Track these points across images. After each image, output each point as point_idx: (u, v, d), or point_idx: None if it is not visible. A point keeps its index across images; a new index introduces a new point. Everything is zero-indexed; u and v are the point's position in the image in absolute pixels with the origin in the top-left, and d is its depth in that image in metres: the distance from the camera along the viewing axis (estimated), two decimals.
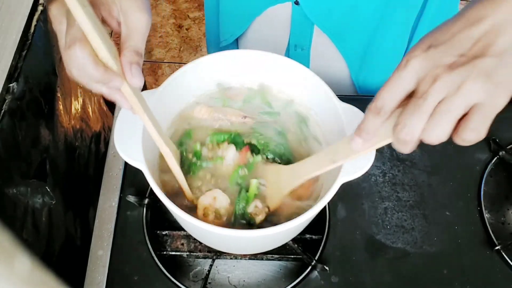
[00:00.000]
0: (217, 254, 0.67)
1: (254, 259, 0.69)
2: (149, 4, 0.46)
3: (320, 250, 0.67)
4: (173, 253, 0.68)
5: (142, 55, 0.45)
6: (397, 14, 0.73)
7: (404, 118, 0.39)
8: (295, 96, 0.66)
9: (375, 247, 0.69)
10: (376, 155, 0.55)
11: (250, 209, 0.59)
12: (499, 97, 0.36)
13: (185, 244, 0.69)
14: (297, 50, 0.82)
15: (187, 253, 0.68)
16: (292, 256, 0.68)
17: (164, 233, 0.69)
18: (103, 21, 0.45)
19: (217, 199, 0.59)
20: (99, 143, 0.94)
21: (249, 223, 0.59)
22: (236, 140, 0.64)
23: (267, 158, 0.64)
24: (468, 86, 0.35)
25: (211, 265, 0.68)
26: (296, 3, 0.74)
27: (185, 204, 0.60)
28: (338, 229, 0.70)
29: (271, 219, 0.59)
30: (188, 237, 0.68)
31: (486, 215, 0.72)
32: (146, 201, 0.69)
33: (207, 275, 0.67)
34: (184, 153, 0.62)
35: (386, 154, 0.77)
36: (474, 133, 0.37)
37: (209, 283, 0.69)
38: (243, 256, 0.68)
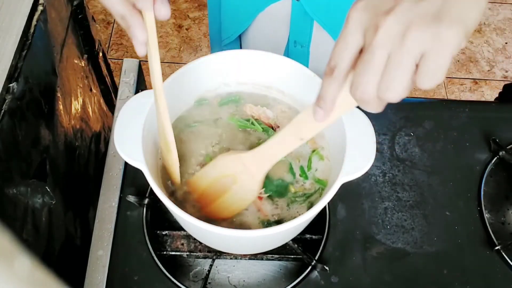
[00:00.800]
0: (217, 254, 0.67)
1: (254, 259, 0.69)
2: None
3: (320, 250, 0.67)
4: (173, 253, 0.68)
5: None
6: None
7: (356, 76, 0.36)
8: (295, 96, 0.66)
9: (375, 247, 0.69)
10: (376, 155, 0.55)
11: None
12: (450, 37, 0.32)
13: (185, 244, 0.69)
14: (297, 47, 0.82)
15: (187, 253, 0.68)
16: (292, 256, 0.68)
17: (164, 233, 0.69)
18: None
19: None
20: (99, 143, 0.94)
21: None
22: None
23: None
24: (413, 34, 0.32)
25: (211, 265, 0.68)
26: None
27: (184, 204, 0.60)
28: (338, 229, 0.70)
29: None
30: (188, 237, 0.68)
31: (486, 215, 0.72)
32: (146, 201, 0.69)
33: (207, 275, 0.67)
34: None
35: (386, 154, 0.77)
36: (431, 80, 0.34)
37: (209, 283, 0.69)
38: (243, 256, 0.68)
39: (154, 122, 0.57)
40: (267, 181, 0.60)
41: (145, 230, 0.68)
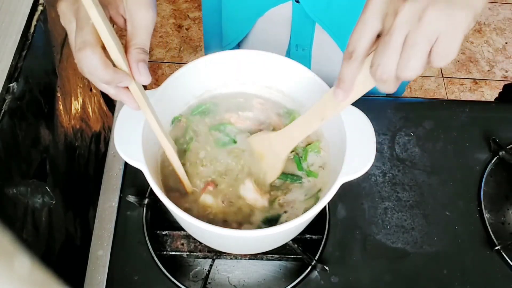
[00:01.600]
0: (217, 254, 0.67)
1: (254, 259, 0.69)
2: (155, 1, 0.47)
3: (320, 250, 0.67)
4: (173, 253, 0.68)
5: (147, 52, 0.46)
6: None
7: (376, 57, 0.39)
8: (295, 96, 0.66)
9: (375, 247, 0.69)
10: (376, 155, 0.55)
11: (242, 191, 0.59)
12: (463, 18, 0.36)
13: (185, 244, 0.69)
14: (298, 50, 0.82)
15: (187, 253, 0.68)
16: (292, 256, 0.68)
17: (164, 233, 0.69)
18: (111, 20, 0.46)
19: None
20: (99, 143, 0.94)
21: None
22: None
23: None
24: (428, 15, 0.36)
25: (211, 265, 0.68)
26: (297, 1, 0.74)
27: (185, 205, 0.60)
28: (338, 229, 0.70)
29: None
30: (188, 237, 0.68)
31: (486, 215, 0.72)
32: (146, 201, 0.69)
33: (207, 275, 0.67)
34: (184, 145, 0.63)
35: (386, 154, 0.77)
36: (445, 58, 0.38)
37: (209, 283, 0.69)
38: (243, 256, 0.68)
39: None
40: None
41: (145, 230, 0.68)
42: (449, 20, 0.36)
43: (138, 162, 0.52)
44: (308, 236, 0.69)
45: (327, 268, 0.65)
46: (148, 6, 0.44)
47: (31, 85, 0.63)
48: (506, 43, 2.08)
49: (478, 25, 2.13)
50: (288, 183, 0.62)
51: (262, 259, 0.68)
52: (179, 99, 0.65)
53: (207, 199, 0.59)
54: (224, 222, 0.58)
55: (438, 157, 0.78)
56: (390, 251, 0.69)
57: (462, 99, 1.90)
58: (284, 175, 0.62)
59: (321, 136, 0.65)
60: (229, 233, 0.49)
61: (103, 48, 0.43)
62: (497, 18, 2.16)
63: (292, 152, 0.63)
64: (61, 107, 0.74)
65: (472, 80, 1.97)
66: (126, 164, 0.74)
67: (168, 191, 0.60)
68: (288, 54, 0.84)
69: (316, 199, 0.60)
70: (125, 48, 0.45)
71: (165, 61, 1.93)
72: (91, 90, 0.93)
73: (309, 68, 0.81)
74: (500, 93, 1.01)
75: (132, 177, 0.73)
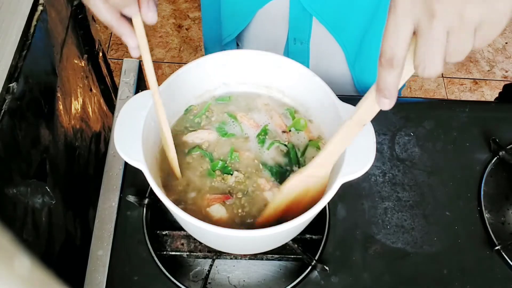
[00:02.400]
0: (217, 254, 0.67)
1: (254, 259, 0.69)
2: None
3: (320, 250, 0.67)
4: (173, 253, 0.68)
5: None
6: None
7: (421, 56, 0.38)
8: (295, 96, 0.66)
9: (375, 247, 0.69)
10: (376, 155, 0.55)
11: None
12: (506, 7, 0.36)
13: (185, 244, 0.69)
14: (296, 44, 0.83)
15: (187, 253, 0.68)
16: (292, 256, 0.68)
17: (164, 233, 0.69)
18: None
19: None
20: (99, 143, 0.94)
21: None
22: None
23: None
24: (469, 9, 0.36)
25: (211, 265, 0.68)
26: None
27: (184, 204, 0.60)
28: (338, 229, 0.70)
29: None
30: (188, 237, 0.68)
31: (486, 215, 0.72)
32: (146, 201, 0.69)
33: (207, 275, 0.67)
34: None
35: (386, 154, 0.77)
36: (485, 42, 0.38)
37: (209, 283, 0.69)
38: (243, 256, 0.68)
39: (154, 122, 0.57)
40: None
41: (145, 230, 0.68)
42: (490, 8, 0.36)
43: (138, 162, 0.52)
44: (308, 236, 0.69)
45: (327, 268, 0.65)
46: None
47: (31, 85, 0.63)
48: (506, 43, 2.09)
49: None
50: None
51: (262, 259, 0.68)
52: (179, 99, 0.65)
53: (219, 211, 0.59)
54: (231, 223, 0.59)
55: (438, 157, 0.78)
56: (390, 251, 0.69)
57: (462, 99, 1.90)
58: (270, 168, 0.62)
59: (321, 136, 0.65)
60: (229, 233, 0.49)
61: None
62: None
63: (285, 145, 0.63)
64: (61, 107, 0.74)
65: (472, 80, 1.97)
66: (126, 164, 0.74)
67: (168, 191, 0.60)
68: (287, 48, 0.84)
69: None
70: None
71: (165, 61, 1.93)
72: (91, 90, 0.93)
73: (308, 61, 0.81)
74: (500, 93, 1.01)
75: (132, 177, 0.73)
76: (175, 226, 0.68)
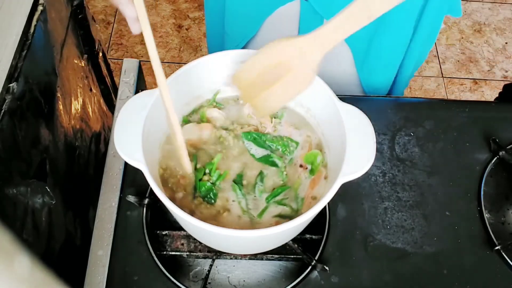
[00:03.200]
0: (217, 254, 0.67)
1: (254, 259, 0.69)
2: None
3: (320, 250, 0.67)
4: (173, 253, 0.68)
5: None
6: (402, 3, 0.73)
7: None
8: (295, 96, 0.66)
9: (375, 247, 0.69)
10: (376, 155, 0.55)
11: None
12: None
13: (185, 244, 0.68)
14: None
15: (187, 253, 0.68)
16: (292, 256, 0.68)
17: (164, 233, 0.69)
18: None
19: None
20: (99, 143, 0.94)
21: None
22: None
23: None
24: None
25: (211, 265, 0.68)
26: None
27: (184, 204, 0.60)
28: (338, 229, 0.70)
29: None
30: (188, 237, 0.68)
31: (486, 215, 0.72)
32: (146, 201, 0.69)
33: (207, 275, 0.67)
34: None
35: (386, 154, 0.77)
36: None
37: (209, 283, 0.69)
38: (243, 256, 0.68)
39: (154, 122, 0.57)
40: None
41: (145, 230, 0.68)
42: None
43: (138, 162, 0.52)
44: (308, 236, 0.69)
45: (327, 268, 0.65)
46: None
47: (31, 85, 0.63)
48: (506, 43, 2.08)
49: (478, 25, 2.13)
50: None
51: (262, 259, 0.68)
52: (179, 99, 0.65)
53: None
54: None
55: (438, 157, 0.78)
56: (390, 251, 0.69)
57: (462, 99, 1.90)
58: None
59: (321, 137, 0.65)
60: (229, 233, 0.49)
61: None
62: (497, 18, 2.16)
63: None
64: (61, 107, 0.74)
65: (472, 80, 1.97)
66: (126, 164, 0.74)
67: (168, 191, 0.60)
68: None
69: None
70: None
71: (165, 61, 1.93)
72: (91, 90, 0.93)
73: None
74: (500, 93, 1.01)
75: (132, 177, 0.73)
76: (175, 226, 0.68)
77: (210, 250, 0.67)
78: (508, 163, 0.76)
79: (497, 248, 0.68)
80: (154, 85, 0.54)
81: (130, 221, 0.69)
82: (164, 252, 0.68)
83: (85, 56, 0.90)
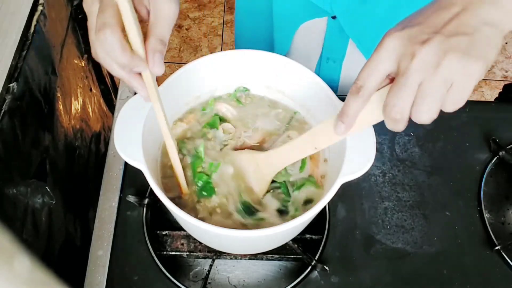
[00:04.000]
0: (217, 254, 0.67)
1: (254, 259, 0.69)
2: None
3: (320, 250, 0.67)
4: (173, 253, 0.68)
5: (166, 44, 0.46)
6: None
7: (391, 97, 0.40)
8: (295, 97, 0.66)
9: (375, 247, 0.69)
10: (376, 155, 0.55)
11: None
12: (477, 70, 0.37)
13: (185, 244, 0.69)
14: (329, 63, 0.82)
15: (187, 253, 0.68)
16: (292, 256, 0.68)
17: (164, 233, 0.69)
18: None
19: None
20: (99, 143, 0.94)
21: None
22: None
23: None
24: (445, 64, 0.37)
25: (211, 265, 0.68)
26: (333, 17, 0.73)
27: (184, 203, 0.60)
28: (338, 229, 0.70)
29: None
30: (188, 237, 0.68)
31: (486, 215, 0.72)
32: (146, 201, 0.69)
33: (207, 275, 0.67)
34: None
35: (386, 154, 0.77)
36: (455, 105, 0.39)
37: (209, 283, 0.69)
38: (243, 256, 0.68)
39: (154, 122, 0.57)
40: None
41: (145, 230, 0.68)
42: (464, 70, 0.37)
43: (138, 162, 0.52)
44: (308, 236, 0.69)
45: (327, 268, 0.65)
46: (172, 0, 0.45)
47: (31, 85, 0.63)
48: (506, 43, 2.08)
49: None
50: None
51: (262, 259, 0.68)
52: (179, 99, 0.65)
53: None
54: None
55: (438, 157, 0.78)
56: (390, 251, 0.69)
57: None
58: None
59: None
60: (229, 233, 0.49)
61: (123, 31, 0.43)
62: None
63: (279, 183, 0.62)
64: (61, 107, 0.75)
65: None
66: (126, 164, 0.74)
67: (168, 191, 0.60)
68: (319, 66, 0.84)
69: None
70: (145, 38, 0.45)
71: (165, 61, 1.93)
72: (91, 90, 0.93)
73: (338, 79, 0.81)
74: (500, 93, 1.01)
75: (132, 177, 0.73)
76: (175, 226, 0.68)
77: (210, 250, 0.67)
78: (508, 163, 0.76)
79: (497, 248, 0.68)
80: None
81: (130, 221, 0.69)
82: (164, 252, 0.68)
83: (85, 56, 0.90)
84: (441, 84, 0.37)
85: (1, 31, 0.62)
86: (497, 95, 1.03)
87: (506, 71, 2.00)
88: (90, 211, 0.82)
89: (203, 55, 0.62)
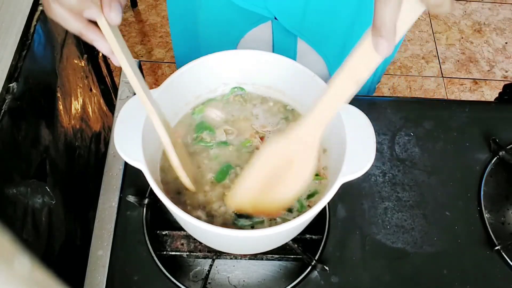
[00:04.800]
0: (217, 254, 0.67)
1: (254, 259, 0.69)
2: None
3: (320, 250, 0.67)
4: (173, 253, 0.68)
5: None
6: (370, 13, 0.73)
7: None
8: (295, 96, 0.66)
9: (375, 247, 0.69)
10: (376, 155, 0.55)
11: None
12: None
13: (185, 244, 0.69)
14: None
15: (187, 253, 0.68)
16: (292, 256, 0.68)
17: (164, 233, 0.69)
18: None
19: None
20: (99, 143, 0.94)
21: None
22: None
23: None
24: None
25: (211, 265, 0.68)
26: (275, 18, 0.74)
27: (185, 203, 0.60)
28: (338, 229, 0.70)
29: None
30: (188, 237, 0.68)
31: (486, 215, 0.72)
32: (146, 201, 0.69)
33: (207, 275, 0.67)
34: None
35: (386, 154, 0.77)
36: None
37: (209, 283, 0.69)
38: (243, 256, 0.68)
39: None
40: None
41: (145, 230, 0.68)
42: None
43: (138, 162, 0.52)
44: (308, 236, 0.69)
45: (327, 268, 0.65)
46: None
47: (31, 85, 0.63)
48: (506, 43, 2.08)
49: (478, 25, 2.13)
50: None
51: (262, 259, 0.68)
52: (179, 99, 0.65)
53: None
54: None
55: (438, 157, 0.78)
56: (390, 251, 0.69)
57: (462, 99, 1.90)
58: None
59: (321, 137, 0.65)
60: (229, 233, 0.49)
61: None
62: (497, 18, 2.16)
63: None
64: (61, 107, 0.75)
65: (472, 80, 1.97)
66: (126, 164, 0.74)
67: (168, 191, 0.60)
68: None
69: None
70: None
71: (165, 61, 1.93)
72: (91, 90, 0.93)
73: None
74: (500, 93, 1.01)
75: (132, 177, 0.73)
76: (175, 226, 0.68)
77: (210, 250, 0.67)
78: (508, 163, 0.76)
79: (497, 248, 0.68)
80: (154, 85, 0.55)
81: (130, 221, 0.69)
82: (164, 252, 0.68)
83: (85, 56, 0.90)
84: None
85: (1, 31, 0.62)
86: (497, 95, 1.03)
87: (506, 71, 2.00)
88: (90, 211, 0.82)
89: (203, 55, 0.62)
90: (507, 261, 0.68)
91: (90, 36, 0.44)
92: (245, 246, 0.63)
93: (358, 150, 0.54)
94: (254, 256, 0.67)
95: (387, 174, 0.75)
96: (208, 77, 0.65)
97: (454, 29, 2.12)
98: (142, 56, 1.92)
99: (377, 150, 0.49)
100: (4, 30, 0.62)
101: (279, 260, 0.68)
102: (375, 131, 0.55)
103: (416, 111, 0.83)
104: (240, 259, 0.69)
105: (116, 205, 0.70)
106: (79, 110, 0.84)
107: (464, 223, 0.71)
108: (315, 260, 0.65)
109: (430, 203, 0.73)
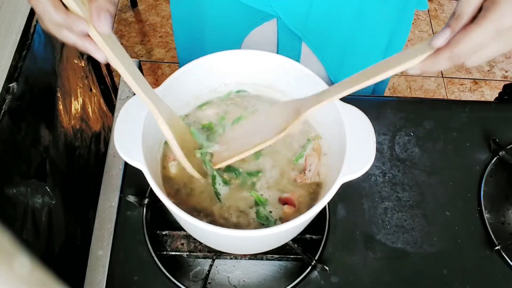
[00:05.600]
0: (217, 254, 0.67)
1: (254, 259, 0.69)
2: None
3: (320, 250, 0.67)
4: (173, 253, 0.68)
5: (115, 3, 0.44)
6: (372, 18, 0.74)
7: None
8: (295, 96, 0.66)
9: (375, 247, 0.69)
10: (376, 155, 0.54)
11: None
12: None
13: (185, 244, 0.69)
14: None
15: (187, 253, 0.68)
16: (292, 256, 0.68)
17: (164, 233, 0.69)
18: None
19: None
20: (99, 143, 0.94)
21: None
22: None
23: None
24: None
25: (211, 265, 0.68)
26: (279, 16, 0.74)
27: (184, 203, 0.60)
28: (338, 229, 0.70)
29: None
30: (188, 237, 0.68)
31: (486, 215, 0.72)
32: (146, 201, 0.69)
33: (207, 275, 0.67)
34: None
35: (386, 154, 0.77)
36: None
37: (209, 283, 0.69)
38: (243, 256, 0.68)
39: (154, 122, 0.57)
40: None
41: (145, 230, 0.68)
42: None
43: (138, 162, 0.52)
44: (308, 236, 0.69)
45: (327, 268, 0.65)
46: None
47: (31, 85, 0.63)
48: None
49: None
50: None
51: (262, 259, 0.68)
52: (180, 99, 0.65)
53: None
54: None
55: (438, 157, 0.78)
56: (390, 251, 0.69)
57: (462, 99, 1.90)
58: None
59: (321, 136, 0.65)
60: (229, 233, 0.49)
61: None
62: None
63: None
64: (61, 107, 0.75)
65: (472, 80, 1.97)
66: (126, 164, 0.74)
67: (168, 191, 0.60)
68: None
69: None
70: None
71: (165, 61, 1.93)
72: (91, 90, 0.93)
73: None
74: (500, 93, 1.01)
75: (132, 177, 0.73)
76: (175, 226, 0.68)
77: (210, 250, 0.67)
78: (508, 163, 0.76)
79: (497, 248, 0.68)
80: (154, 85, 0.55)
81: (130, 221, 0.69)
82: (164, 252, 0.68)
83: (85, 56, 0.90)
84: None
85: (1, 31, 0.62)
86: (497, 95, 1.03)
87: (506, 71, 2.00)
88: (90, 211, 0.82)
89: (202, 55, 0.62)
90: (507, 261, 0.68)
91: (84, 47, 0.45)
92: (245, 246, 0.63)
93: (358, 150, 0.54)
94: (254, 256, 0.67)
95: (387, 174, 0.75)
96: (209, 77, 0.65)
97: None
98: (142, 56, 1.92)
99: (377, 150, 0.49)
100: (4, 30, 0.62)
101: (279, 260, 0.68)
102: (375, 131, 0.55)
103: (416, 111, 0.83)
104: (240, 259, 0.69)
105: (116, 205, 0.70)
106: (79, 110, 0.84)
107: (464, 223, 0.71)
108: (315, 260, 0.65)
109: (430, 203, 0.73)
